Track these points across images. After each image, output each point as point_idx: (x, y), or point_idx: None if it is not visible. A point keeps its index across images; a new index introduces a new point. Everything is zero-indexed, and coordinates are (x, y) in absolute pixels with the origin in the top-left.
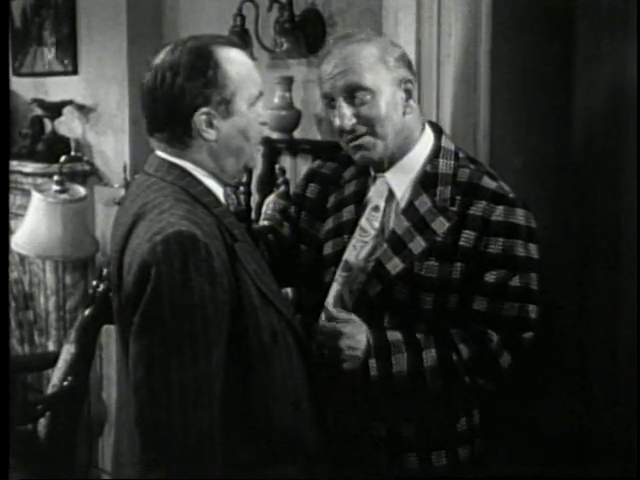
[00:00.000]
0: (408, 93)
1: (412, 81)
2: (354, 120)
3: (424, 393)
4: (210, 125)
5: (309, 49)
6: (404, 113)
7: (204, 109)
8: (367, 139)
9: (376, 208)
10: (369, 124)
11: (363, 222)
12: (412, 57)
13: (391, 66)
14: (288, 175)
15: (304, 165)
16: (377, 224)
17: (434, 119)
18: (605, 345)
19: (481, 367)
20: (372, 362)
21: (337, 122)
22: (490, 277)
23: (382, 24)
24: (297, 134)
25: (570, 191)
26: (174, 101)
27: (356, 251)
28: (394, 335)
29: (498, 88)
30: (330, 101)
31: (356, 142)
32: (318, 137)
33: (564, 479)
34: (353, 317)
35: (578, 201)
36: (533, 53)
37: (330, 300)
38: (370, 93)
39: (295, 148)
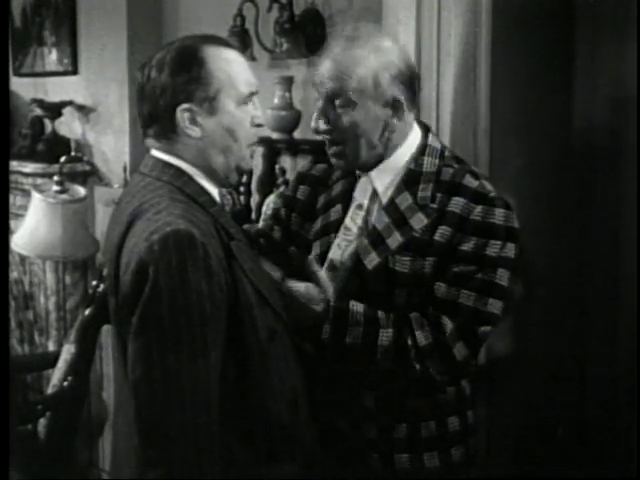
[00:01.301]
0: (395, 112)
1: (401, 101)
2: (327, 126)
3: (374, 370)
4: (194, 122)
5: (309, 49)
6: (384, 131)
7: (186, 105)
8: (339, 149)
9: (360, 206)
10: (343, 135)
11: (347, 221)
12: (412, 57)
13: (383, 84)
14: (288, 175)
15: None
16: (360, 222)
17: (434, 119)
18: (605, 345)
19: (434, 356)
20: (326, 327)
21: (312, 123)
22: (455, 268)
23: (382, 24)
24: (297, 134)
25: (570, 191)
26: (157, 97)
27: (341, 250)
28: (356, 306)
29: (498, 88)
30: (318, 96)
31: (330, 150)
32: (318, 137)
33: (564, 479)
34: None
35: (578, 200)
36: (533, 53)
37: None
38: (351, 105)
39: (295, 148)
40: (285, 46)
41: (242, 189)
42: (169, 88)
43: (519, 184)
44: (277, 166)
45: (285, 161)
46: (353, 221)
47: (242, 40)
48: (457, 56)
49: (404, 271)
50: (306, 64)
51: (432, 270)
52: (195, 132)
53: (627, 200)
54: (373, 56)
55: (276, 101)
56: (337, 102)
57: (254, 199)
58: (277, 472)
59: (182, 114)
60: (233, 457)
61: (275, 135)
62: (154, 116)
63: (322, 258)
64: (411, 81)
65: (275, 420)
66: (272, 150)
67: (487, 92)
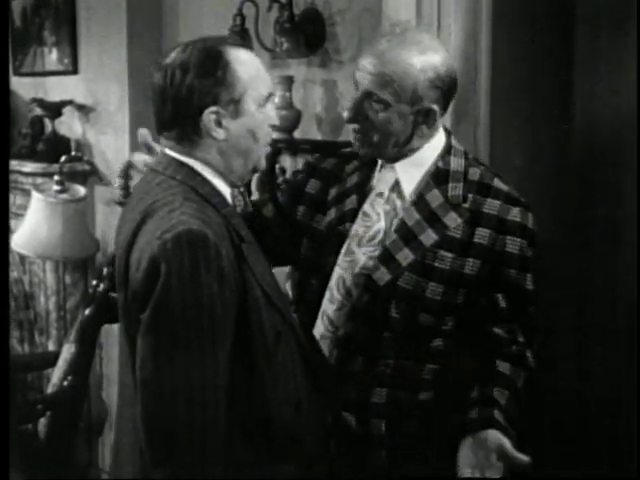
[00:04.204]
0: (426, 119)
1: (435, 110)
2: (359, 118)
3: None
4: (219, 124)
5: (309, 49)
6: (412, 134)
7: (213, 108)
8: (367, 138)
9: (380, 194)
10: (373, 128)
11: (366, 207)
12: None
13: (421, 91)
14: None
15: None
16: (380, 210)
17: None
18: (604, 345)
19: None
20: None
21: (345, 112)
22: (509, 275)
23: (382, 24)
24: (297, 134)
25: (570, 191)
26: (183, 100)
27: (358, 236)
28: None
29: (498, 88)
30: (355, 85)
31: (357, 137)
32: (318, 137)
33: (564, 479)
34: None
35: (578, 201)
36: (533, 53)
37: (333, 284)
38: (386, 105)
39: (295, 148)
40: (285, 46)
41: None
42: (196, 91)
43: (519, 184)
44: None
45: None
46: (372, 207)
47: (242, 40)
48: (457, 56)
49: (444, 267)
50: (306, 64)
51: (475, 272)
52: (220, 134)
53: (627, 201)
54: (416, 60)
55: (276, 101)
56: (374, 98)
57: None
58: (278, 472)
59: (209, 117)
60: (235, 457)
61: (275, 135)
62: (177, 119)
63: (338, 247)
64: (449, 88)
65: (277, 421)
66: (272, 150)
67: (487, 92)
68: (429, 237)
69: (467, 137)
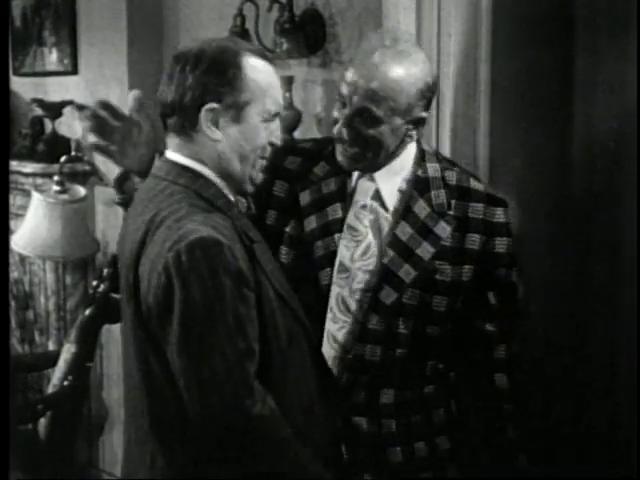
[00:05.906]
0: (416, 126)
1: (425, 118)
2: (351, 136)
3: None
4: (215, 124)
5: (309, 49)
6: (402, 142)
7: (212, 105)
8: (359, 153)
9: (364, 207)
10: (364, 143)
11: (351, 220)
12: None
13: (413, 103)
14: None
15: None
16: (367, 222)
17: (434, 119)
18: (604, 345)
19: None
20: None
21: (336, 132)
22: (499, 274)
23: (382, 24)
24: (297, 134)
25: (569, 191)
26: (187, 89)
27: (349, 252)
28: None
29: (498, 88)
30: (341, 101)
31: (346, 152)
32: (318, 137)
33: (564, 479)
34: None
35: (577, 202)
36: (533, 53)
37: (332, 303)
38: (377, 121)
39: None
40: (285, 46)
41: None
42: (200, 84)
43: (519, 185)
44: None
45: None
46: (359, 221)
47: (242, 40)
48: (457, 56)
49: (445, 279)
50: (306, 64)
51: (469, 277)
52: (215, 135)
53: (627, 203)
54: (408, 74)
55: None
56: (366, 114)
57: None
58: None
59: (206, 114)
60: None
61: None
62: (176, 107)
63: (329, 258)
64: (432, 95)
65: (290, 423)
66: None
67: (487, 92)
68: (426, 250)
69: (467, 138)
